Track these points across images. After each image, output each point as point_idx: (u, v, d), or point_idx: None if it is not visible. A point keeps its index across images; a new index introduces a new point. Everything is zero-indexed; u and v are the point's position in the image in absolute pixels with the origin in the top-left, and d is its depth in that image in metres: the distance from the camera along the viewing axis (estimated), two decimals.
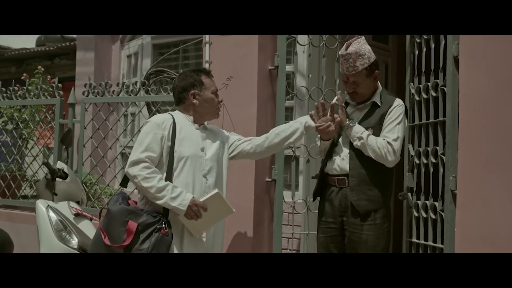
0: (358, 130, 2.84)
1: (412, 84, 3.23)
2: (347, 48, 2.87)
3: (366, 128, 2.87)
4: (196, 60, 5.59)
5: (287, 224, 3.85)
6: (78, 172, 4.40)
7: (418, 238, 3.13)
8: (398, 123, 2.88)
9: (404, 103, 3.01)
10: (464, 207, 2.71)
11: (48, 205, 3.40)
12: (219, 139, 2.91)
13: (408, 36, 3.27)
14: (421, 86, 3.13)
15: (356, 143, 2.85)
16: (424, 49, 3.12)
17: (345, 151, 2.92)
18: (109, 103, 4.51)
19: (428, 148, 3.05)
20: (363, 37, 2.91)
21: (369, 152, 2.83)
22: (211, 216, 2.67)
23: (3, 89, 5.04)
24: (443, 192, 2.89)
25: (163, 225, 2.63)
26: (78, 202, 3.59)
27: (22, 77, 5.53)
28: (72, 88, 4.70)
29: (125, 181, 2.85)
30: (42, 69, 5.70)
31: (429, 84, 3.06)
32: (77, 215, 3.43)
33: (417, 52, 3.20)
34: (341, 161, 2.92)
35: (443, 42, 2.94)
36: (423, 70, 3.12)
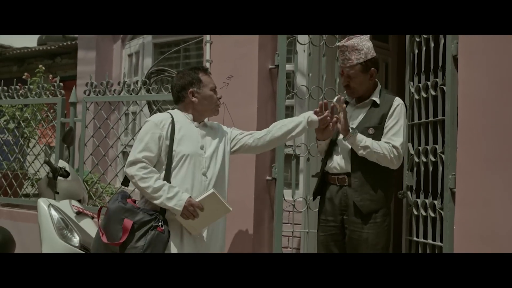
0: (360, 139, 2.80)
1: (411, 83, 3.25)
2: (346, 41, 2.89)
3: (367, 128, 2.87)
4: (197, 59, 5.61)
5: (287, 222, 3.86)
6: (79, 171, 4.41)
7: (417, 236, 3.15)
8: (402, 125, 2.86)
9: (404, 102, 3.01)
10: (463, 205, 2.72)
11: (50, 204, 3.41)
12: (219, 135, 2.91)
13: (407, 36, 3.29)
14: (420, 85, 3.14)
15: (361, 152, 2.81)
16: (424, 48, 3.13)
17: (345, 150, 2.92)
18: (110, 102, 4.52)
19: (428, 147, 3.06)
20: (368, 36, 2.92)
21: (374, 159, 2.81)
22: (208, 216, 2.68)
23: (5, 88, 5.05)
24: (442, 191, 2.90)
25: (159, 223, 2.64)
26: (79, 201, 3.60)
27: (24, 76, 5.55)
28: (74, 87, 4.71)
29: (126, 180, 2.86)
30: (43, 68, 5.72)
31: (429, 83, 3.08)
32: (78, 213, 3.45)
33: (416, 51, 3.22)
34: (341, 160, 2.93)
35: (442, 42, 2.96)
36: (423, 69, 3.13)
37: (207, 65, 3.83)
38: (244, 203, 3.52)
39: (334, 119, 2.83)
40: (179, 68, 5.20)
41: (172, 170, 2.72)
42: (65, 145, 3.92)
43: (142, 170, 2.67)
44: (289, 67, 3.85)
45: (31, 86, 5.04)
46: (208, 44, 3.90)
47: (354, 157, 2.88)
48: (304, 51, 4.13)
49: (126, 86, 4.35)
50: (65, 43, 8.00)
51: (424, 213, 3.08)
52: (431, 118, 3.06)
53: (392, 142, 2.82)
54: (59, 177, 3.56)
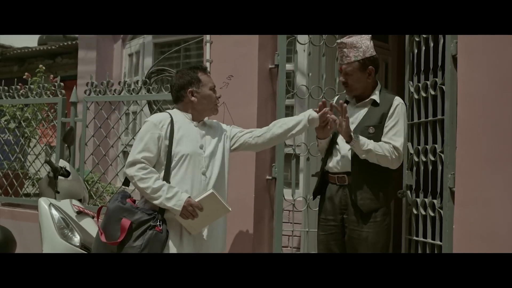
0: (363, 142, 2.79)
1: (411, 82, 3.25)
2: (346, 39, 2.90)
3: (367, 127, 2.88)
4: (197, 59, 5.61)
5: (287, 222, 3.87)
6: (80, 170, 4.42)
7: (417, 236, 3.15)
8: (402, 125, 2.87)
9: (404, 101, 3.01)
10: (462, 204, 2.73)
11: (51, 203, 3.42)
12: (219, 134, 2.91)
13: (407, 35, 3.29)
14: (420, 84, 3.15)
15: (364, 156, 2.81)
16: (423, 48, 3.14)
17: (345, 149, 2.92)
18: (110, 102, 4.53)
19: (427, 146, 3.07)
20: (369, 35, 2.92)
21: (375, 160, 2.81)
22: (207, 216, 2.69)
23: (6, 88, 5.06)
24: (441, 190, 2.91)
25: (158, 223, 2.64)
26: (80, 200, 3.61)
27: (24, 76, 5.56)
28: (74, 87, 4.72)
29: (127, 181, 2.87)
30: (44, 68, 5.73)
31: (428, 82, 3.08)
32: (79, 213, 3.45)
33: (416, 51, 3.22)
34: (341, 159, 2.93)
35: (441, 41, 2.96)
36: (422, 68, 3.14)
37: (207, 65, 3.84)
38: (244, 202, 3.52)
39: (334, 116, 2.84)
40: (179, 68, 5.19)
41: (171, 170, 2.73)
42: (66, 145, 3.92)
43: (142, 170, 2.68)
44: (289, 66, 3.86)
45: (32, 86, 5.05)
46: (208, 44, 3.90)
47: (354, 156, 2.88)
48: (304, 50, 4.14)
49: (126, 85, 4.36)
50: (65, 43, 8.01)
51: (423, 212, 3.09)
52: (430, 118, 3.06)
53: (392, 142, 2.83)
54: (59, 177, 3.56)
